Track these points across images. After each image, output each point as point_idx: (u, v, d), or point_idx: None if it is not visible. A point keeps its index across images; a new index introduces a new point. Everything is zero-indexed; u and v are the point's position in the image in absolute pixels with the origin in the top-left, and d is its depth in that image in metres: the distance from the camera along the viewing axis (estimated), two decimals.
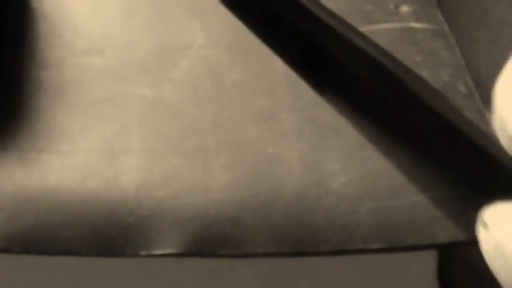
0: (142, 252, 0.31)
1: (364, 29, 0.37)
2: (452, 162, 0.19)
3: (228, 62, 0.36)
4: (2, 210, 0.31)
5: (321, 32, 0.21)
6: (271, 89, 0.35)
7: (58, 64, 0.36)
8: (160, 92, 0.35)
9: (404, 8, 0.39)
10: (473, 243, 0.22)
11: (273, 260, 0.33)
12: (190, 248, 0.31)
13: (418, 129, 0.20)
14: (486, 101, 0.27)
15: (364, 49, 0.21)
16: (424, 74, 0.36)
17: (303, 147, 0.33)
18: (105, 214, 0.31)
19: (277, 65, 0.35)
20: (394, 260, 0.34)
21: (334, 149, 0.33)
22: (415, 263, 0.35)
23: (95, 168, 0.33)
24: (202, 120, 0.34)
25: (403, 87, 0.21)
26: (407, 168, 0.20)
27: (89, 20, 0.38)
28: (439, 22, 0.39)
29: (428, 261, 0.35)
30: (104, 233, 0.31)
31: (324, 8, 0.20)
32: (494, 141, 0.19)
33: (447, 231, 0.31)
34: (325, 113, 0.34)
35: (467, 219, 0.29)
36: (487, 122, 0.32)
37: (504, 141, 0.19)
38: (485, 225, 0.18)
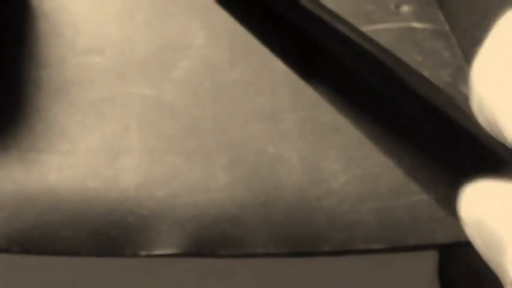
0: (143, 253, 0.31)
1: (364, 28, 0.37)
2: (455, 161, 0.19)
3: (229, 61, 0.36)
4: (2, 210, 0.31)
5: (319, 30, 0.20)
6: (271, 88, 0.35)
7: (58, 63, 0.36)
8: (160, 91, 0.35)
9: (405, 8, 0.39)
10: None
11: (273, 260, 0.33)
12: (190, 248, 0.31)
13: (420, 129, 0.20)
14: None
15: (364, 48, 0.21)
16: (425, 73, 0.36)
17: (304, 147, 0.33)
18: (105, 214, 0.31)
19: (278, 65, 0.35)
20: (395, 260, 0.34)
21: (334, 148, 0.33)
22: (415, 263, 0.35)
23: (95, 168, 0.32)
24: (203, 120, 0.34)
25: (405, 86, 0.21)
26: (408, 168, 0.20)
27: (89, 19, 0.38)
28: (439, 22, 0.39)
29: (428, 261, 0.35)
30: (104, 233, 0.31)
31: (322, 6, 0.20)
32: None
33: (448, 231, 0.31)
34: (325, 112, 0.34)
35: None
36: None
37: (482, 121, 0.19)
38: (466, 202, 0.18)
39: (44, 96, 0.35)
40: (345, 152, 0.33)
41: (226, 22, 0.37)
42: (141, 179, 0.32)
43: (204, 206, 0.32)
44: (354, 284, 0.35)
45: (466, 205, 0.18)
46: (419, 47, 0.38)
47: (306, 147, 0.33)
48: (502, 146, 0.19)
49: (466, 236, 0.18)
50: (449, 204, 0.19)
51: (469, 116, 0.19)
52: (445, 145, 0.19)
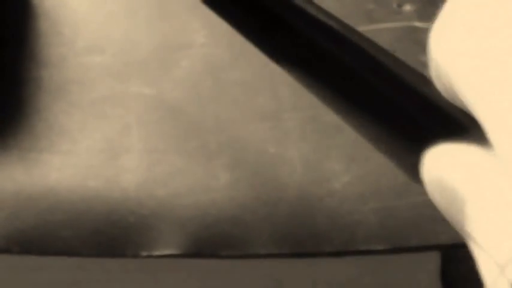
0: (143, 253, 0.31)
1: (366, 27, 0.37)
2: (418, 128, 0.20)
3: (230, 60, 0.36)
4: (2, 210, 0.31)
5: (313, 31, 0.20)
6: (273, 88, 0.35)
7: (59, 63, 0.36)
8: (161, 90, 0.35)
9: (407, 7, 0.39)
10: None
11: (274, 260, 0.32)
12: (191, 248, 0.31)
13: (421, 128, 0.20)
14: None
15: (363, 48, 0.21)
16: (427, 73, 0.36)
17: (305, 147, 0.33)
18: (105, 213, 0.31)
19: None
20: (397, 261, 0.34)
21: (336, 148, 0.33)
22: (418, 264, 0.35)
23: (95, 168, 0.32)
24: (204, 119, 0.34)
25: (406, 86, 0.21)
26: (411, 168, 0.20)
27: (89, 18, 0.38)
28: None
29: (431, 262, 0.35)
30: (105, 233, 0.31)
31: (317, 7, 0.20)
32: None
33: (451, 232, 0.31)
34: (327, 112, 0.34)
35: None
36: None
37: (440, 87, 0.19)
38: (427, 163, 0.19)
39: (45, 95, 0.35)
40: (346, 152, 0.33)
41: None
42: (141, 179, 0.32)
43: (204, 206, 0.32)
44: (356, 285, 0.35)
45: (427, 166, 0.19)
46: (422, 46, 0.37)
47: (307, 147, 0.33)
48: (461, 111, 0.19)
49: None
50: (415, 170, 0.19)
51: (469, 115, 0.19)
52: (408, 113, 0.20)
